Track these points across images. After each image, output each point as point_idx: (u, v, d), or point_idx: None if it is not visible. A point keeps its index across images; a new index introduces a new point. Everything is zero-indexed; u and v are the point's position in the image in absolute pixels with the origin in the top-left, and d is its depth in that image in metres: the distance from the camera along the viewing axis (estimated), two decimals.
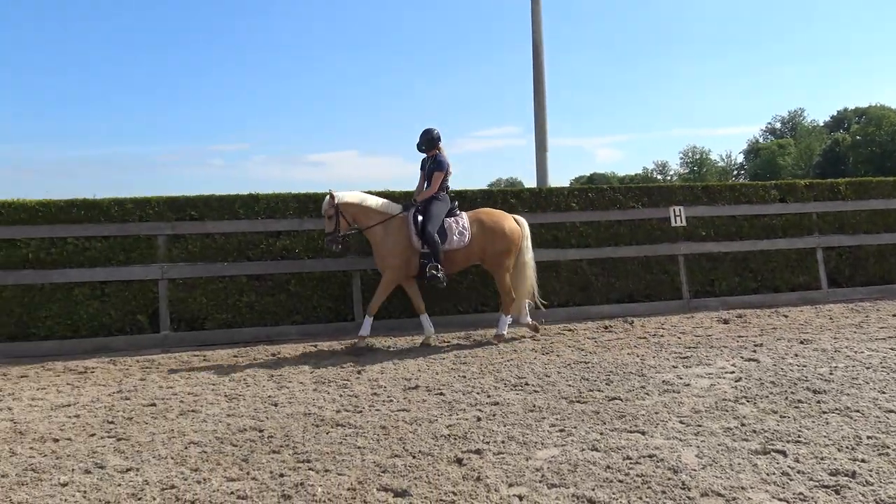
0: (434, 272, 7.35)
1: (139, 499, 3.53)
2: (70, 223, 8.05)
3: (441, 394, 5.47)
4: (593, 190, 9.84)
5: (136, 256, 8.15)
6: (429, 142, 7.86)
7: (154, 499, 3.52)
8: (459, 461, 3.90)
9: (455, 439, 4.29)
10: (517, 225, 7.95)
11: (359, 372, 6.39)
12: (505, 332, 7.77)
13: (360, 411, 5.03)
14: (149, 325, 8.12)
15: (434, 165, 7.78)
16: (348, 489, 3.55)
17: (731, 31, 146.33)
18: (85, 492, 3.65)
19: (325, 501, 3.43)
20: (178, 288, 8.21)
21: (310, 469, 3.86)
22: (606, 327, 8.33)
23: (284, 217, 8.59)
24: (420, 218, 7.60)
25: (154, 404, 5.45)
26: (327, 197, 7.53)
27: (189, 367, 6.89)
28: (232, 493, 3.56)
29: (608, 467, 3.72)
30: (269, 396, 5.59)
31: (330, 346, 7.78)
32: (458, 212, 7.84)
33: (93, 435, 4.70)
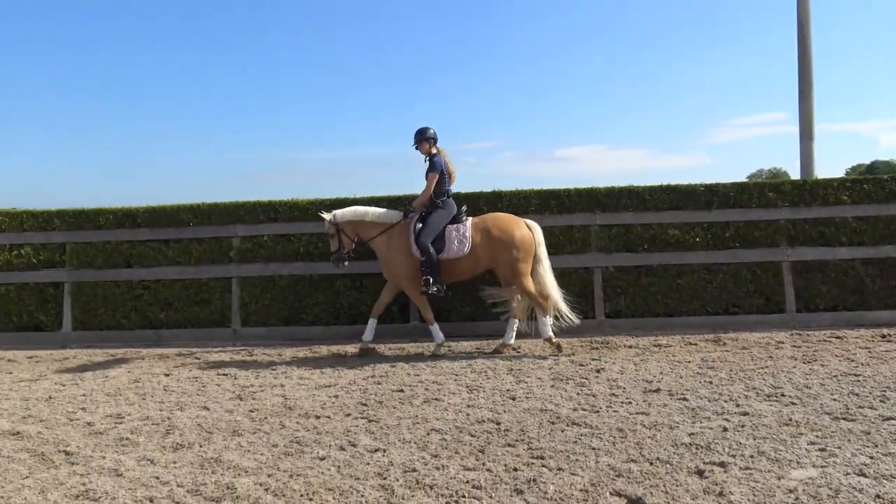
0: (424, 287, 7.20)
1: (384, 478, 3.77)
2: None
3: (684, 399, 5.18)
4: (870, 181, 8.69)
5: None
6: (418, 139, 7.54)
7: (397, 480, 3.73)
8: (700, 473, 3.65)
9: (697, 449, 4.03)
10: (529, 231, 7.40)
11: (598, 371, 6.27)
12: (551, 333, 7.27)
13: (597, 411, 4.93)
14: (399, 316, 8.67)
15: (428, 167, 7.46)
16: (580, 490, 3.48)
17: None
18: (339, 467, 3.98)
19: (556, 500, 3.39)
20: None
21: (543, 466, 3.85)
22: (884, 336, 7.34)
23: (526, 213, 8.67)
24: (419, 226, 7.34)
25: (402, 390, 5.80)
26: (326, 217, 7.64)
27: (434, 357, 7.24)
28: (467, 481, 3.66)
29: (878, 497, 3.25)
30: (508, 390, 5.68)
31: (570, 342, 7.72)
32: (463, 218, 7.47)
33: (348, 415, 5.12)
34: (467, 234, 7.35)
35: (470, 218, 7.60)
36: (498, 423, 4.70)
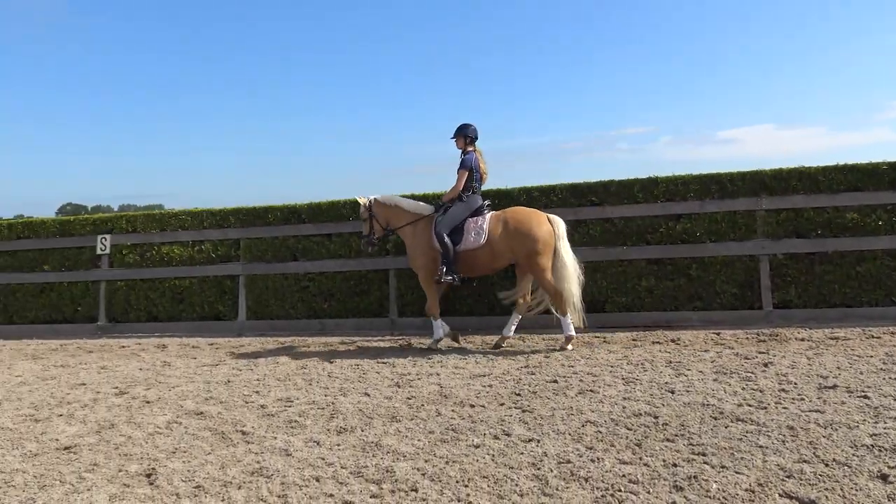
0: (438, 275, 7.51)
1: (538, 468, 3.75)
2: None
3: (865, 397, 4.75)
4: None
5: None
6: (457, 133, 7.76)
7: (551, 471, 3.71)
8: (884, 478, 3.33)
9: (880, 451, 3.69)
10: (549, 225, 7.16)
11: (765, 365, 5.90)
12: (573, 333, 7.12)
13: (765, 408, 4.63)
14: None
15: (460, 163, 7.68)
16: (745, 490, 3.29)
17: None
18: (493, 455, 4.01)
19: (719, 499, 3.23)
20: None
21: (704, 463, 3.68)
22: None
23: (684, 199, 8.32)
24: (440, 218, 7.63)
25: (556, 381, 5.75)
26: (362, 201, 8.15)
27: (589, 348, 7.12)
28: (623, 475, 3.57)
29: None
30: (666, 383, 5.48)
31: (734, 334, 7.33)
32: (484, 211, 7.66)
33: (502, 404, 5.15)
34: (484, 227, 7.45)
35: (491, 211, 7.67)
36: (656, 417, 4.55)
